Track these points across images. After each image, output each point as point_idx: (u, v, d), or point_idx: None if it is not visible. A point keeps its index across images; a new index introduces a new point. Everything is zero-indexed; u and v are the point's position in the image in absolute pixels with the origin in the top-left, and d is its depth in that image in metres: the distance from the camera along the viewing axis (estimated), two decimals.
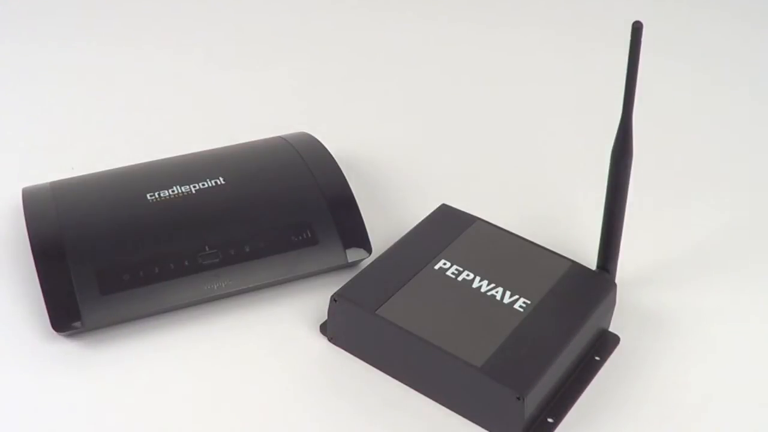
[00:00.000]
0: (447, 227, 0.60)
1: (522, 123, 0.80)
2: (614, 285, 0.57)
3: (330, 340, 0.57)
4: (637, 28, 0.52)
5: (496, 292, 0.55)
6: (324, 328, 0.57)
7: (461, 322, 0.54)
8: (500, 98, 0.83)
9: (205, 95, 0.82)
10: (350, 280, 0.56)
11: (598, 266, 0.60)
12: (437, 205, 0.63)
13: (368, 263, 0.59)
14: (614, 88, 0.55)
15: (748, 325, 0.60)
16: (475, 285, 0.56)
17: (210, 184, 0.61)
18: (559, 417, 0.53)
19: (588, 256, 0.61)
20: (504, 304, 0.55)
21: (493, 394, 0.51)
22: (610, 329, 0.58)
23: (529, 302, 0.55)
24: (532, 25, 0.96)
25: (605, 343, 0.58)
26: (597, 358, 0.57)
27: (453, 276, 0.56)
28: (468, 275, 0.57)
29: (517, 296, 0.55)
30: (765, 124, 0.82)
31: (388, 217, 0.66)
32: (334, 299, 0.55)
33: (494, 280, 0.56)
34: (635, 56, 0.53)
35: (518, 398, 0.50)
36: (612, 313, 0.58)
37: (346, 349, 0.56)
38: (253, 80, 0.84)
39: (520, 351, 0.52)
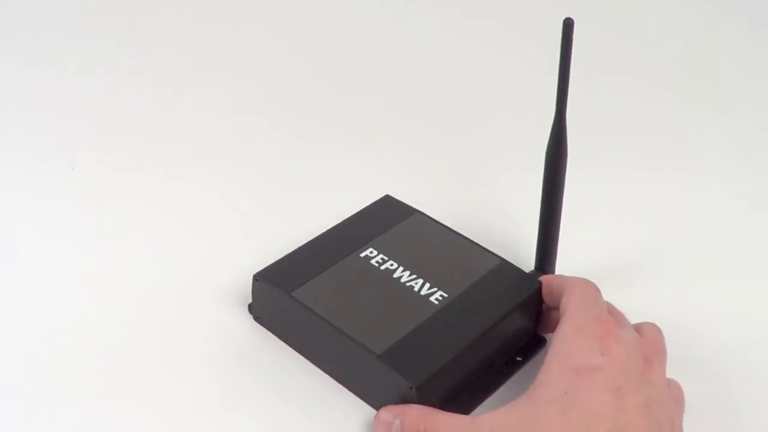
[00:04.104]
0: (384, 217, 0.61)
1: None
2: (539, 285, 0.56)
3: (255, 319, 0.58)
4: (568, 25, 0.52)
5: (416, 284, 0.55)
6: (251, 308, 0.58)
7: (373, 309, 0.54)
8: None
9: (199, 95, 0.82)
10: (276, 261, 0.57)
11: (535, 267, 0.60)
12: None
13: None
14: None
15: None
16: (396, 275, 0.56)
17: None
18: (465, 412, 0.52)
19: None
20: (420, 295, 0.55)
21: (390, 382, 0.51)
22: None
23: (446, 295, 0.55)
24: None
25: (532, 345, 0.57)
26: (519, 358, 0.56)
27: (376, 265, 0.57)
28: (392, 265, 0.57)
29: (435, 289, 0.55)
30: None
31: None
32: (255, 278, 0.56)
33: (417, 271, 0.56)
34: (567, 53, 0.52)
35: (411, 388, 0.50)
36: (540, 314, 0.57)
37: (268, 329, 0.57)
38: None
39: (424, 342, 0.52)
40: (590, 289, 0.52)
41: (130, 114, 0.78)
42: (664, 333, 0.55)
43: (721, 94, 0.84)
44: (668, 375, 0.52)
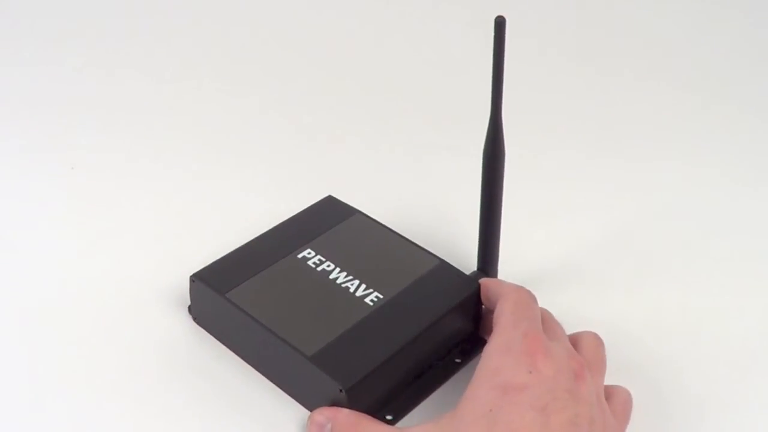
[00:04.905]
0: (325, 218, 0.60)
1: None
2: (477, 286, 0.56)
3: (194, 320, 0.57)
4: (500, 23, 0.51)
5: (351, 285, 0.55)
6: (191, 309, 0.58)
7: (306, 311, 0.54)
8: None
9: (192, 94, 0.82)
10: (214, 262, 0.57)
11: (478, 268, 0.59)
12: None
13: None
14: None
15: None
16: (332, 276, 0.56)
17: None
18: (399, 415, 0.52)
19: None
20: (355, 296, 0.54)
21: (320, 384, 0.50)
22: None
23: (381, 297, 0.54)
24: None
25: (472, 346, 0.56)
26: (458, 360, 0.56)
27: (313, 266, 0.56)
28: (329, 266, 0.56)
29: (371, 290, 0.55)
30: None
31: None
32: (192, 279, 0.56)
33: (353, 272, 0.56)
34: (500, 52, 0.52)
35: (341, 390, 0.49)
36: (480, 316, 0.57)
37: (206, 330, 0.57)
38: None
39: (356, 344, 0.52)
40: (523, 299, 0.51)
41: (133, 114, 0.79)
42: (605, 339, 0.54)
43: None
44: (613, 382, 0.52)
